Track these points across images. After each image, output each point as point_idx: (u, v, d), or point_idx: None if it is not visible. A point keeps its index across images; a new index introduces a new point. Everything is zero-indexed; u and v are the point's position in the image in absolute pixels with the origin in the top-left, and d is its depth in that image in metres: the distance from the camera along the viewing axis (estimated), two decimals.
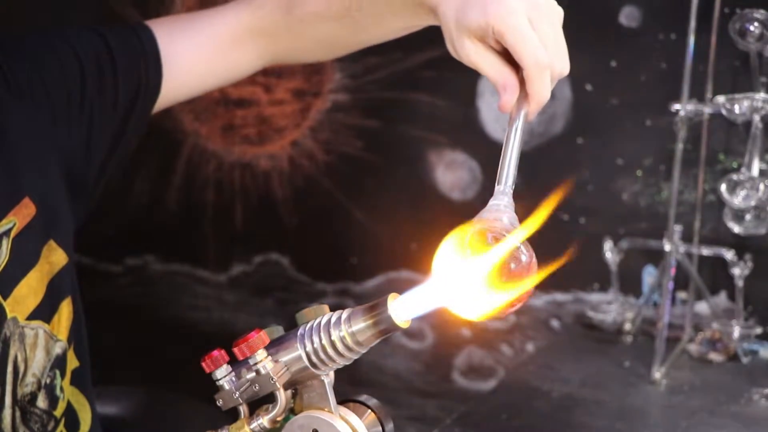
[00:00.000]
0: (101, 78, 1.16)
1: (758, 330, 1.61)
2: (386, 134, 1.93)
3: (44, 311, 1.11)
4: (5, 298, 1.06)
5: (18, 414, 1.09)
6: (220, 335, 2.08)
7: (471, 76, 1.84)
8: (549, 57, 0.92)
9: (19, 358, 1.08)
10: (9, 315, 1.06)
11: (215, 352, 0.81)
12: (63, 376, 1.15)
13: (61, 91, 1.14)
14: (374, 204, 1.96)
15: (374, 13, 1.14)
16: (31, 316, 1.09)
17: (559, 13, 0.95)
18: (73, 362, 1.17)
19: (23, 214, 1.09)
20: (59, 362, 1.14)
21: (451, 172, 1.88)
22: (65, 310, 1.15)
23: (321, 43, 1.23)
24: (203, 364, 0.80)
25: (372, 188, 1.96)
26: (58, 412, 1.14)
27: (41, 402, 1.12)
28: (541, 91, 0.92)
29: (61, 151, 1.14)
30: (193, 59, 1.22)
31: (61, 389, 1.14)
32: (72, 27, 1.20)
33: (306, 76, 1.97)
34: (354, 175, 1.96)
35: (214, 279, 2.14)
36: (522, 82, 0.93)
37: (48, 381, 1.12)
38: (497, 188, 0.87)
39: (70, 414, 1.17)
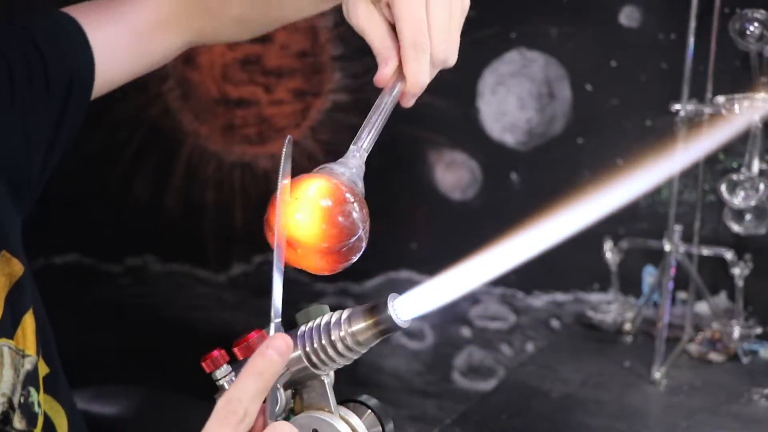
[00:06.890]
0: (31, 76, 1.11)
1: (758, 330, 1.61)
2: (386, 134, 1.92)
3: (6, 327, 1.05)
4: None
5: None
6: (220, 335, 2.08)
7: (471, 76, 1.84)
8: (431, 42, 0.89)
9: None
10: None
11: (215, 352, 0.80)
12: (38, 390, 1.09)
13: None
14: (374, 204, 1.95)
15: None
16: None
17: (463, 5, 0.92)
18: (43, 369, 1.12)
19: None
20: (32, 379, 1.08)
21: (451, 172, 1.88)
22: (29, 323, 1.09)
23: (236, 21, 1.22)
24: (203, 364, 0.80)
25: (372, 188, 1.95)
26: (38, 428, 1.09)
27: (18, 423, 1.06)
28: (416, 74, 0.90)
29: (0, 155, 1.08)
30: (120, 48, 1.19)
31: (39, 404, 1.09)
32: None
33: (306, 76, 1.97)
34: None
35: (214, 279, 2.13)
36: None
37: (22, 400, 1.07)
38: (352, 147, 0.89)
39: (46, 423, 1.12)
